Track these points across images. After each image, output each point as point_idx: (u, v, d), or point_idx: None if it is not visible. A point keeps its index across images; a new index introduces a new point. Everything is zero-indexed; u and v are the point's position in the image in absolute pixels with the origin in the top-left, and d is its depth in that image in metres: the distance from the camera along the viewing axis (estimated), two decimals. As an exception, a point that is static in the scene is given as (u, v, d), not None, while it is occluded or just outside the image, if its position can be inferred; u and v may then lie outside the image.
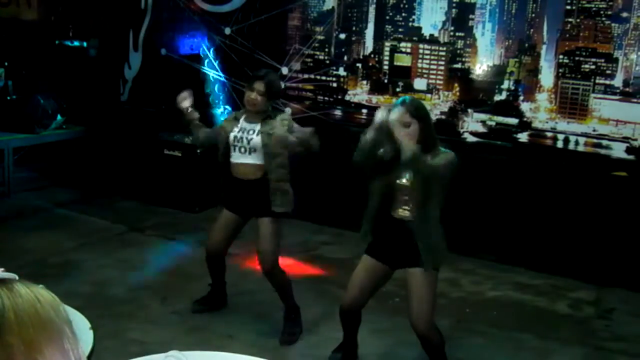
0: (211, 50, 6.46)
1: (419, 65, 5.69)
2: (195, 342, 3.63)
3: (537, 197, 5.06)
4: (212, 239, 4.02)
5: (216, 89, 6.50)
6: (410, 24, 5.71)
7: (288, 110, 3.84)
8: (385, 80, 5.85)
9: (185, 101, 3.95)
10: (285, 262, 4.52)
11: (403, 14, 5.73)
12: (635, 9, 4.84)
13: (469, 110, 5.43)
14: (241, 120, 3.80)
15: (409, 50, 5.73)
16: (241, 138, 3.71)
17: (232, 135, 3.73)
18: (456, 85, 5.60)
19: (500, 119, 5.28)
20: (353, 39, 5.99)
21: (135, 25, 6.88)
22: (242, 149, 3.71)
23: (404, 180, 3.16)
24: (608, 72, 4.98)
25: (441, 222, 3.19)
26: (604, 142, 5.00)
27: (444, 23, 5.59)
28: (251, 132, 3.71)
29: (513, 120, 5.28)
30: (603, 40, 5.00)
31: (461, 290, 4.75)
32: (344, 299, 3.43)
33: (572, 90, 5.11)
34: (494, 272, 5.01)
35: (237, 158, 3.73)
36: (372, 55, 5.92)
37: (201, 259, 5.11)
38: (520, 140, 5.26)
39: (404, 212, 3.19)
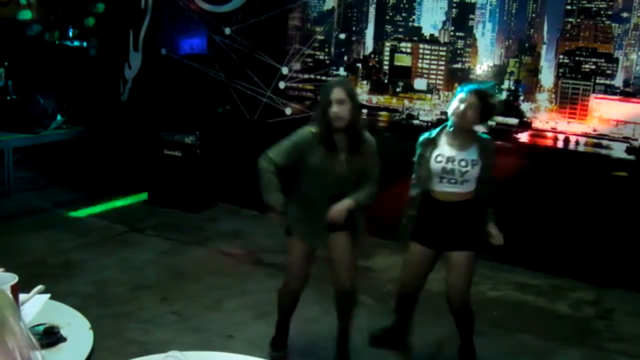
0: (211, 50, 6.46)
1: (419, 65, 5.69)
2: (195, 342, 3.63)
3: (537, 197, 5.06)
4: (409, 280, 3.62)
5: (216, 89, 6.49)
6: (410, 24, 5.70)
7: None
8: (386, 80, 5.85)
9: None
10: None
11: (403, 14, 5.72)
12: (635, 9, 4.84)
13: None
14: (442, 143, 3.37)
15: (409, 50, 5.73)
16: (452, 170, 3.31)
17: (438, 166, 3.33)
18: (456, 85, 5.59)
19: (500, 119, 5.27)
20: (353, 39, 5.99)
21: (135, 25, 6.88)
22: (453, 180, 3.33)
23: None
24: (608, 72, 4.98)
25: None
26: (604, 142, 5.00)
27: (444, 23, 5.58)
28: (463, 162, 3.31)
29: (513, 120, 5.28)
30: (603, 40, 4.99)
31: (461, 290, 4.74)
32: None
33: (573, 90, 5.11)
34: (494, 272, 5.01)
35: (444, 188, 3.35)
36: (372, 55, 5.92)
37: (201, 258, 5.13)
38: (521, 140, 5.26)
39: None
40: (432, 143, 3.37)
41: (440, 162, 3.31)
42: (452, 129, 3.33)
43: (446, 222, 3.37)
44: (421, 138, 3.46)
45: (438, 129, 3.42)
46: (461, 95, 3.27)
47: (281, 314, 3.67)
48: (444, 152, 3.32)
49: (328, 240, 3.41)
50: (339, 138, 3.29)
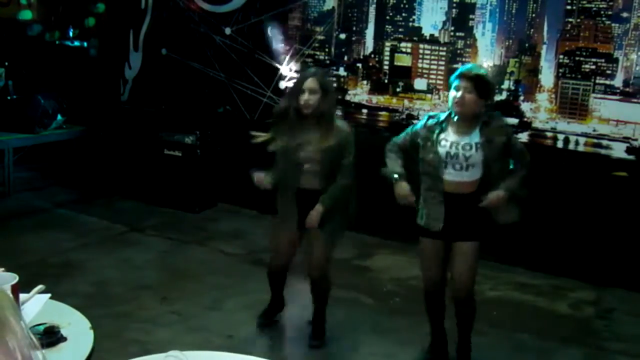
0: (211, 50, 6.46)
1: (419, 65, 5.69)
2: (195, 342, 3.63)
3: (537, 197, 5.05)
4: (429, 275, 3.54)
5: (216, 89, 6.49)
6: (410, 24, 5.70)
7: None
8: (386, 80, 5.85)
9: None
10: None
11: (403, 14, 5.72)
12: (636, 9, 4.84)
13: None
14: (448, 129, 3.35)
15: (409, 50, 5.73)
16: (456, 154, 3.29)
17: (442, 150, 3.30)
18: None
19: (500, 119, 5.27)
20: (353, 39, 5.98)
21: (136, 25, 6.88)
22: (457, 166, 3.30)
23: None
24: (608, 72, 4.98)
25: None
26: (604, 142, 5.00)
27: (444, 23, 5.58)
28: (467, 146, 3.29)
29: (513, 120, 5.27)
30: (603, 40, 4.99)
31: (461, 290, 4.74)
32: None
33: (573, 90, 5.11)
34: (494, 272, 5.01)
35: (449, 176, 3.32)
36: (372, 55, 5.92)
37: (201, 258, 5.13)
38: (521, 140, 5.25)
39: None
40: (439, 127, 3.36)
41: (445, 146, 3.30)
42: (456, 118, 3.32)
43: (452, 213, 3.35)
44: (431, 121, 3.41)
45: (445, 114, 3.39)
46: (454, 84, 3.29)
47: (273, 290, 3.92)
48: (449, 137, 3.32)
49: (307, 232, 3.60)
50: (308, 124, 3.45)
